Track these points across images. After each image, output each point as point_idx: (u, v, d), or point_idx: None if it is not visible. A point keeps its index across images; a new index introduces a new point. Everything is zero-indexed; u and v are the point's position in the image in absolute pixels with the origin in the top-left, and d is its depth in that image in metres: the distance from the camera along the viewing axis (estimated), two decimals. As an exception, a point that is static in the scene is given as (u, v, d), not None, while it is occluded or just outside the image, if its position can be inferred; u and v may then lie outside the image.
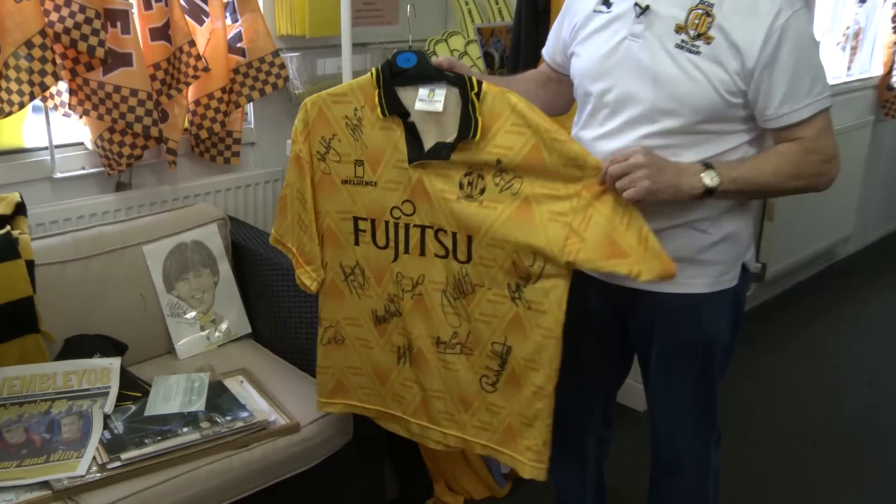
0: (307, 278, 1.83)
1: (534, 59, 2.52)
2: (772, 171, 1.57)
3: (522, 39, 2.59)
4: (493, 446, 1.83)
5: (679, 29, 1.57)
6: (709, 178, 1.55)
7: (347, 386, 1.94)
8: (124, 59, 2.30)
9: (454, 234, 1.71)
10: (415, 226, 1.74)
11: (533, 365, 1.73)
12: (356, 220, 1.79)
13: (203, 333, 2.42)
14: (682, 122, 1.58)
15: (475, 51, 2.80)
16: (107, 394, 2.03)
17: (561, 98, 1.94)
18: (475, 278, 1.72)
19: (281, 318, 2.39)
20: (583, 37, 1.74)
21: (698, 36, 1.55)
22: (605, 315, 1.89)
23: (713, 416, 1.86)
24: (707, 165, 1.56)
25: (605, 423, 2.09)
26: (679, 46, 1.56)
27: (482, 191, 1.65)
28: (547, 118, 1.60)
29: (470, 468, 2.55)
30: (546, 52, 1.94)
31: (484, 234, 1.67)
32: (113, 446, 1.86)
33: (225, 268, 2.48)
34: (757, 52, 1.52)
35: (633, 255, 1.56)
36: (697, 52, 1.55)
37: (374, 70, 1.68)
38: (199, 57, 2.51)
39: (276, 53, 2.67)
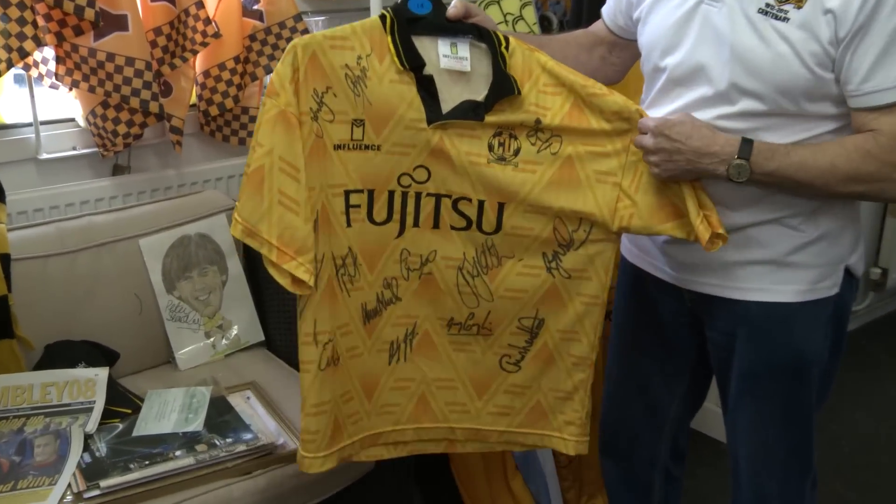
0: (302, 272, 1.61)
1: None
2: (824, 168, 1.53)
3: (586, 1, 2.57)
4: (516, 430, 1.87)
5: None
6: (735, 171, 1.54)
7: (342, 422, 1.80)
8: (119, 23, 2.29)
9: (481, 203, 1.71)
10: (428, 194, 1.72)
11: (571, 335, 1.78)
12: (348, 193, 1.69)
13: (208, 341, 2.41)
14: (764, 103, 1.56)
15: (531, 14, 2.76)
16: (90, 410, 2.01)
17: (609, 66, 1.94)
18: (504, 249, 1.74)
19: None
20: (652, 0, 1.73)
21: None
22: (677, 325, 1.88)
23: (807, 453, 1.82)
24: (744, 146, 1.54)
25: (675, 456, 2.07)
26: (763, 11, 1.53)
27: (517, 152, 1.68)
28: (578, 74, 1.66)
29: (512, 497, 2.49)
30: (607, 10, 1.93)
31: (521, 200, 1.69)
32: (92, 472, 1.83)
33: (235, 265, 2.46)
34: (853, 15, 1.47)
35: (692, 212, 1.60)
36: (785, 19, 1.51)
37: (384, 12, 1.66)
38: (208, 21, 2.49)
39: (298, 17, 2.65)
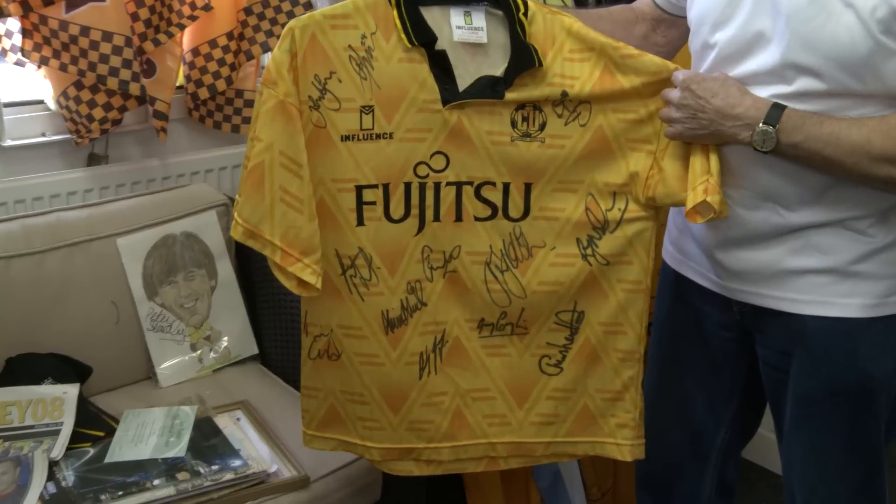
0: (309, 274, 1.69)
1: None
2: (857, 143, 1.52)
3: None
4: (563, 439, 1.90)
5: None
6: (760, 138, 1.55)
7: (343, 416, 1.91)
8: None
9: (506, 186, 1.75)
10: (448, 184, 1.75)
11: (616, 328, 1.82)
12: (360, 189, 1.74)
13: (194, 354, 2.41)
14: (824, 81, 1.54)
15: None
16: (57, 433, 2.00)
17: (651, 46, 1.93)
18: (533, 238, 1.77)
19: (298, 336, 2.30)
20: None
21: None
22: (724, 340, 1.88)
23: (877, 492, 1.80)
24: (772, 111, 1.55)
25: (723, 491, 2.05)
26: None
27: (542, 126, 1.71)
28: (608, 37, 1.69)
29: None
30: None
31: (550, 177, 1.74)
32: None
33: (225, 269, 2.47)
34: None
35: (693, 173, 1.65)
36: None
37: None
38: None
39: None
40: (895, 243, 1.64)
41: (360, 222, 1.76)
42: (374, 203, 1.75)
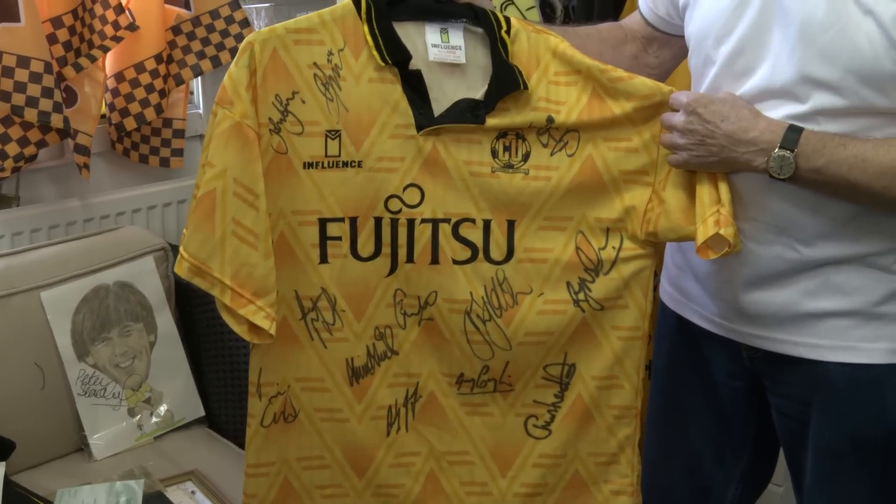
0: (262, 318, 1.66)
1: (613, 10, 2.58)
2: (887, 166, 1.52)
3: None
4: None
5: None
6: (776, 165, 1.55)
7: (299, 489, 1.85)
8: (7, 10, 2.28)
9: (486, 223, 1.72)
10: (423, 221, 1.73)
11: (611, 381, 1.78)
12: (324, 223, 1.72)
13: (132, 420, 2.39)
14: (843, 96, 1.54)
15: None
16: None
17: (642, 67, 1.93)
18: (519, 283, 1.75)
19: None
20: None
21: None
22: (732, 389, 1.87)
23: None
24: (789, 134, 1.55)
25: None
26: None
27: (526, 156, 1.70)
28: (593, 58, 1.68)
29: None
30: (644, 1, 1.94)
31: (536, 213, 1.72)
32: None
33: (166, 322, 2.46)
34: None
35: (701, 203, 1.64)
36: None
37: None
38: (120, 9, 2.50)
39: (235, 4, 2.71)
40: None
41: (324, 259, 1.73)
42: (339, 238, 1.72)
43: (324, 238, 1.72)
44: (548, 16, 2.79)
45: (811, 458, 1.78)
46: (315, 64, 1.66)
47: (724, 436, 1.92)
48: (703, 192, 1.64)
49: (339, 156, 1.69)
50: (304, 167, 1.69)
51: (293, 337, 1.76)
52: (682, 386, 1.94)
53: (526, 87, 1.66)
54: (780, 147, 1.54)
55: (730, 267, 1.70)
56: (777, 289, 1.68)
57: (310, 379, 1.79)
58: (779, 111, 1.59)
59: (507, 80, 1.65)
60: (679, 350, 1.93)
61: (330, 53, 1.66)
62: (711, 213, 1.61)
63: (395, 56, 1.65)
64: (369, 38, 1.65)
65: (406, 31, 1.67)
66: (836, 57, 1.53)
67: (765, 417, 1.86)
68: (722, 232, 1.59)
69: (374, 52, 1.65)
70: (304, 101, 1.66)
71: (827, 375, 1.69)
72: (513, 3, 2.78)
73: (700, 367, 1.88)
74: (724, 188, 1.64)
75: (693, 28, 1.75)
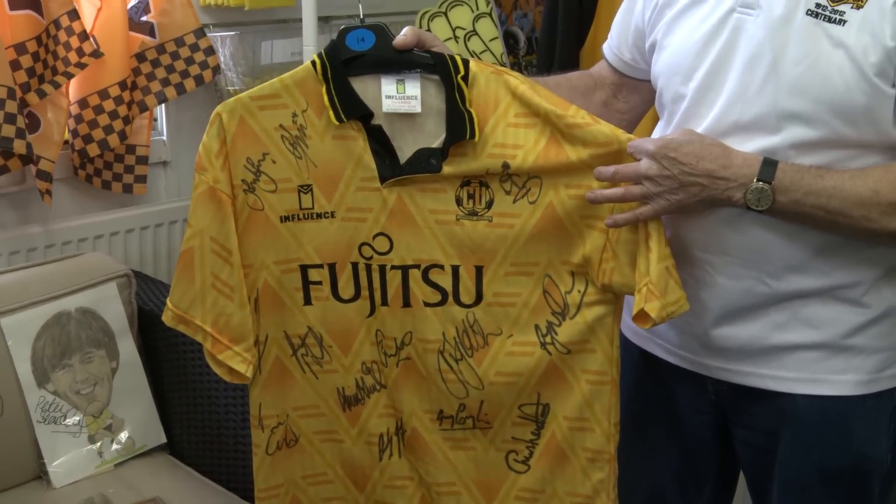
0: (238, 363, 1.78)
1: (576, 41, 2.56)
2: (865, 195, 1.53)
3: (561, 13, 2.60)
4: None
5: None
6: (754, 197, 1.54)
7: (307, 503, 1.93)
8: None
9: (455, 269, 1.74)
10: (393, 267, 1.76)
11: (583, 423, 1.78)
12: (304, 269, 1.78)
13: (93, 447, 2.37)
14: (815, 128, 1.55)
15: (489, 29, 2.82)
16: None
17: (613, 114, 1.94)
18: (488, 325, 1.76)
19: (212, 420, 2.36)
20: (670, 17, 1.72)
21: None
22: (697, 424, 1.87)
23: None
24: (765, 167, 1.54)
25: None
26: (813, 13, 1.53)
27: (489, 203, 1.70)
28: (557, 99, 1.66)
29: None
30: (608, 46, 1.94)
31: (502, 259, 1.72)
32: None
33: (128, 348, 2.45)
34: None
35: (644, 263, 1.62)
36: (841, 21, 1.52)
37: (315, 58, 1.70)
38: (84, 35, 2.48)
39: (200, 32, 2.72)
40: (888, 314, 1.64)
41: (308, 301, 1.79)
42: (320, 283, 1.78)
43: (306, 282, 1.79)
44: (511, 47, 2.82)
45: (778, 489, 1.77)
46: (281, 126, 1.71)
47: (688, 469, 1.91)
48: (640, 257, 1.64)
49: (313, 208, 1.74)
50: (282, 221, 1.75)
51: (287, 372, 1.83)
52: (646, 421, 1.92)
53: (472, 136, 1.64)
54: (758, 179, 1.53)
55: (699, 301, 1.68)
56: (746, 322, 1.67)
57: (306, 406, 1.86)
58: (750, 144, 1.58)
59: (458, 128, 1.65)
60: (643, 385, 1.91)
61: (294, 115, 1.71)
62: (644, 284, 1.62)
63: (350, 113, 1.68)
64: (325, 99, 1.68)
65: (365, 86, 1.69)
66: (808, 90, 1.53)
67: (728, 449, 1.85)
68: (645, 307, 1.60)
69: (330, 112, 1.68)
70: (274, 161, 1.73)
71: (795, 408, 1.69)
72: (476, 34, 2.80)
73: (665, 401, 1.86)
74: (655, 249, 1.62)
75: (661, 67, 1.75)
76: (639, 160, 1.58)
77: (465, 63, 1.66)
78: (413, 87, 1.67)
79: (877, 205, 1.52)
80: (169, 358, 2.46)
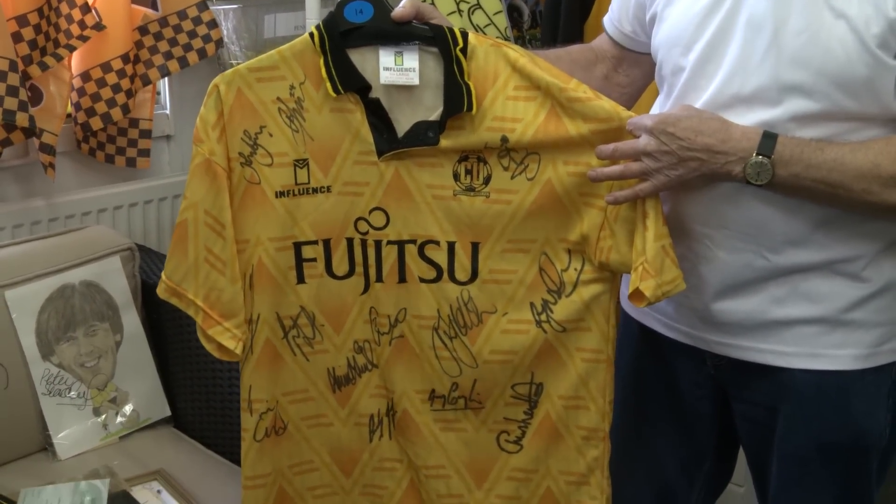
0: (228, 339, 1.76)
1: (580, 14, 2.55)
2: (865, 168, 1.52)
3: None
4: None
5: None
6: (754, 171, 1.53)
7: (293, 494, 1.91)
8: None
9: (451, 245, 1.74)
10: (389, 242, 1.76)
11: (578, 402, 1.78)
12: (298, 246, 1.77)
13: (97, 420, 2.36)
14: (816, 101, 1.54)
15: (493, 2, 2.83)
16: None
17: (614, 87, 1.94)
18: (483, 302, 1.76)
19: (216, 394, 2.36)
20: None
21: None
22: (696, 399, 1.87)
23: None
24: (765, 140, 1.54)
25: None
26: None
27: (487, 179, 1.70)
28: (558, 72, 1.65)
29: None
30: (609, 18, 1.94)
31: (499, 236, 1.72)
32: None
33: (132, 322, 2.44)
34: None
35: (642, 240, 1.63)
36: None
37: (313, 29, 1.69)
38: (87, 8, 2.48)
39: (203, 5, 2.72)
40: (887, 288, 1.64)
41: (301, 280, 1.79)
42: (314, 260, 1.78)
43: (299, 260, 1.78)
44: (515, 20, 2.81)
45: (777, 463, 1.78)
46: (279, 98, 1.71)
47: (687, 443, 1.92)
48: (637, 236, 1.64)
49: (309, 183, 1.74)
50: (277, 196, 1.74)
51: (277, 356, 1.82)
52: (646, 396, 1.93)
53: (470, 109, 1.64)
54: (757, 153, 1.52)
55: (698, 275, 1.69)
56: (745, 297, 1.67)
57: (295, 392, 1.85)
58: (751, 117, 1.58)
59: (455, 101, 1.65)
60: (643, 360, 1.92)
61: (292, 87, 1.70)
62: (640, 262, 1.62)
63: (348, 85, 1.67)
64: (323, 70, 1.67)
65: (363, 57, 1.68)
66: (809, 61, 1.53)
67: (728, 423, 1.86)
68: (640, 286, 1.60)
69: (327, 84, 1.67)
70: (271, 135, 1.72)
71: (793, 382, 1.70)
72: (480, 8, 2.78)
73: (664, 376, 1.87)
74: (652, 227, 1.62)
75: (661, 39, 1.74)
76: (638, 137, 1.57)
77: (464, 35, 1.65)
78: (411, 60, 1.66)
79: (877, 178, 1.51)
80: (173, 331, 2.46)
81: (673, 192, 1.65)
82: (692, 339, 1.77)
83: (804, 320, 1.65)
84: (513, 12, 2.78)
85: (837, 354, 1.67)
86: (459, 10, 2.76)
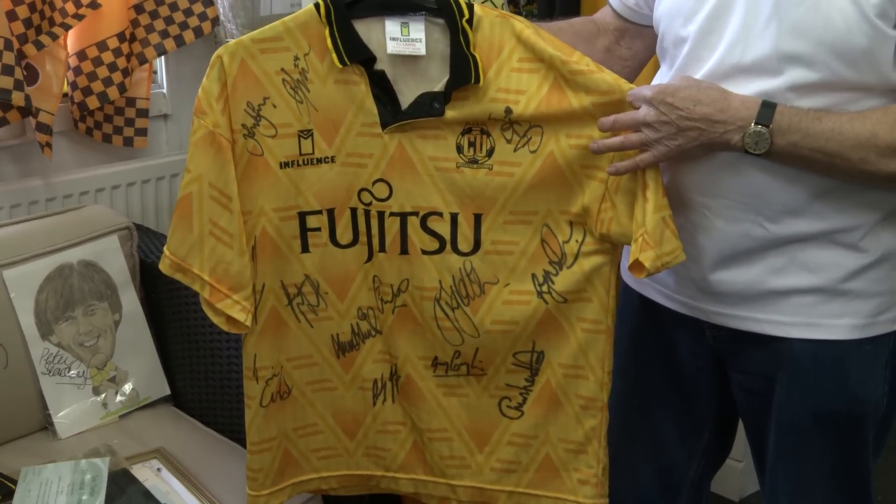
0: (238, 311, 1.78)
1: None
2: (863, 137, 1.52)
3: None
4: (525, 490, 1.91)
5: None
6: (752, 140, 1.54)
7: (297, 456, 1.94)
8: None
9: (454, 217, 1.75)
10: (392, 214, 1.77)
11: (577, 371, 1.81)
12: (303, 216, 1.79)
13: (97, 399, 2.36)
14: (816, 70, 1.54)
15: None
16: None
17: (616, 60, 1.94)
18: (485, 273, 1.78)
19: (215, 372, 2.35)
20: None
21: None
22: (696, 368, 1.87)
23: None
24: (763, 109, 1.54)
25: None
26: None
27: (490, 152, 1.71)
28: (561, 45, 1.66)
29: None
30: None
31: (501, 207, 1.74)
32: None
33: (130, 301, 2.44)
34: None
35: (642, 211, 1.63)
36: None
37: (319, 0, 1.69)
38: None
39: None
40: (885, 258, 1.65)
41: (305, 249, 1.81)
42: (318, 229, 1.80)
43: (304, 229, 1.80)
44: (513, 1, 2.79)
45: (774, 433, 1.79)
46: (283, 69, 1.71)
47: (686, 415, 1.93)
48: (637, 207, 1.65)
49: (313, 153, 1.75)
50: (281, 167, 1.75)
51: (282, 322, 1.84)
52: (645, 367, 1.94)
53: (476, 81, 1.65)
54: (756, 122, 1.53)
55: (697, 245, 1.69)
56: (743, 267, 1.68)
57: (300, 357, 1.87)
58: (751, 87, 1.58)
59: (461, 72, 1.65)
60: (642, 331, 1.92)
61: (296, 58, 1.70)
62: (640, 234, 1.63)
63: (354, 57, 1.68)
64: (329, 41, 1.67)
65: (369, 28, 1.68)
66: (809, 31, 1.52)
67: (726, 394, 1.87)
68: (640, 257, 1.61)
69: (333, 55, 1.67)
70: (275, 106, 1.73)
71: (791, 352, 1.70)
72: (480, -15, 2.75)
73: (663, 346, 1.88)
74: (652, 199, 1.63)
75: (662, 10, 1.74)
76: (638, 108, 1.58)
77: (470, 7, 1.65)
78: (417, 30, 1.66)
79: (875, 147, 1.51)
80: (172, 310, 2.46)
81: (672, 162, 1.65)
82: (691, 309, 1.78)
83: (802, 290, 1.66)
84: (509, -14, 2.78)
85: (835, 324, 1.67)
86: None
